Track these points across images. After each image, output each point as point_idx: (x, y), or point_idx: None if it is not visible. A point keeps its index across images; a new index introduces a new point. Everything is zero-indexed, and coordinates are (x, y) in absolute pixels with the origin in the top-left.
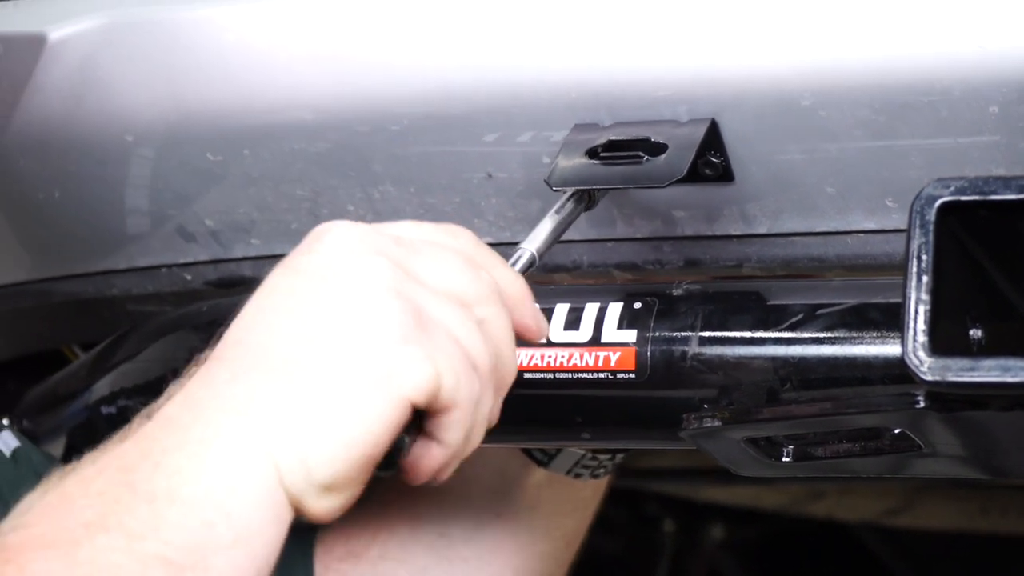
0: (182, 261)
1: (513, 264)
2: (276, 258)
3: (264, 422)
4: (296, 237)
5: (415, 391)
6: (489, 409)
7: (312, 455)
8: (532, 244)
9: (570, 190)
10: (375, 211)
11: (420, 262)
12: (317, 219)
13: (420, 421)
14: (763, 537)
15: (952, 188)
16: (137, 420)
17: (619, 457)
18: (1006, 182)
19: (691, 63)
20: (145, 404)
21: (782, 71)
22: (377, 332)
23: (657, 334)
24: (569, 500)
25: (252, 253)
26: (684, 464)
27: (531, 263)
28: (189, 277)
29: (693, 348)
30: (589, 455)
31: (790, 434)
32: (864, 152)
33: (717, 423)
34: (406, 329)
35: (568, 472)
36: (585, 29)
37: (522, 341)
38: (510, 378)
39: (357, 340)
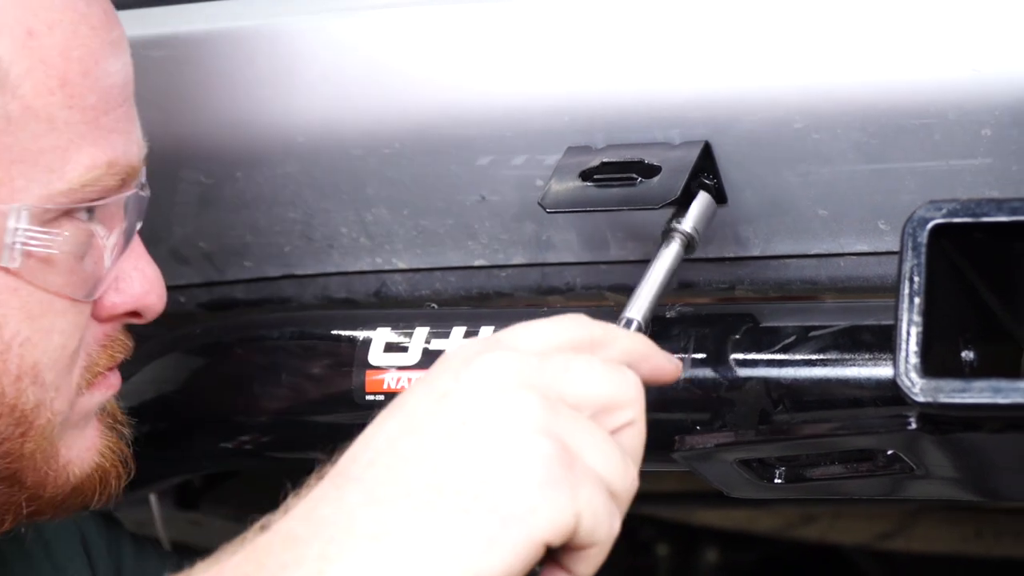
0: (176, 283)
1: None
2: (269, 280)
3: (398, 551)
4: (289, 259)
5: (553, 533)
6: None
7: None
8: (637, 313)
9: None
10: (368, 233)
11: (566, 382)
12: (310, 241)
13: (553, 551)
14: (758, 561)
15: (944, 210)
16: (251, 531)
17: None
18: (998, 204)
19: (685, 86)
20: (142, 426)
21: (775, 94)
22: (523, 473)
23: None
24: None
25: (245, 276)
26: (677, 488)
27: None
28: (183, 299)
29: (686, 370)
30: None
31: (783, 456)
32: (857, 175)
33: (710, 445)
34: (552, 471)
35: None
36: (578, 52)
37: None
38: (635, 488)
39: (502, 479)
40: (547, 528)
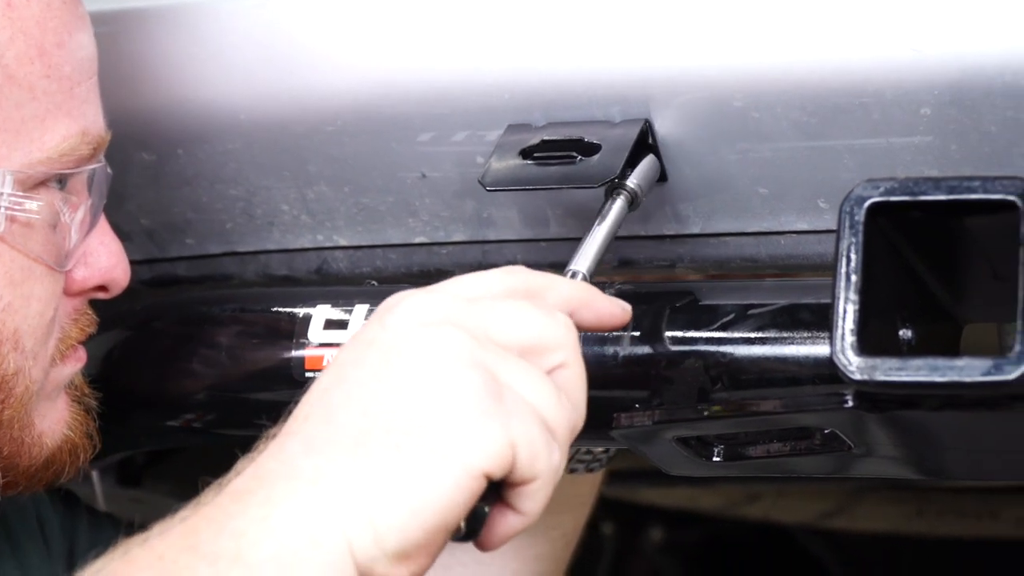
0: None
1: None
2: (211, 258)
3: (335, 492)
4: (231, 237)
5: (489, 463)
6: (563, 464)
7: (382, 523)
8: (582, 265)
9: (624, 193)
10: (309, 211)
11: (492, 321)
12: (252, 219)
13: (499, 489)
14: (703, 539)
15: (882, 189)
16: (206, 493)
17: (613, 449)
18: (936, 183)
19: (624, 64)
20: None
21: (714, 72)
22: (452, 405)
23: (589, 333)
24: (566, 497)
25: (187, 253)
26: (621, 466)
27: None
28: None
29: (625, 348)
30: (583, 448)
31: (721, 434)
32: (796, 153)
33: (648, 422)
34: (482, 401)
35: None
36: (518, 29)
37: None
38: (581, 424)
39: (431, 413)
40: (482, 458)
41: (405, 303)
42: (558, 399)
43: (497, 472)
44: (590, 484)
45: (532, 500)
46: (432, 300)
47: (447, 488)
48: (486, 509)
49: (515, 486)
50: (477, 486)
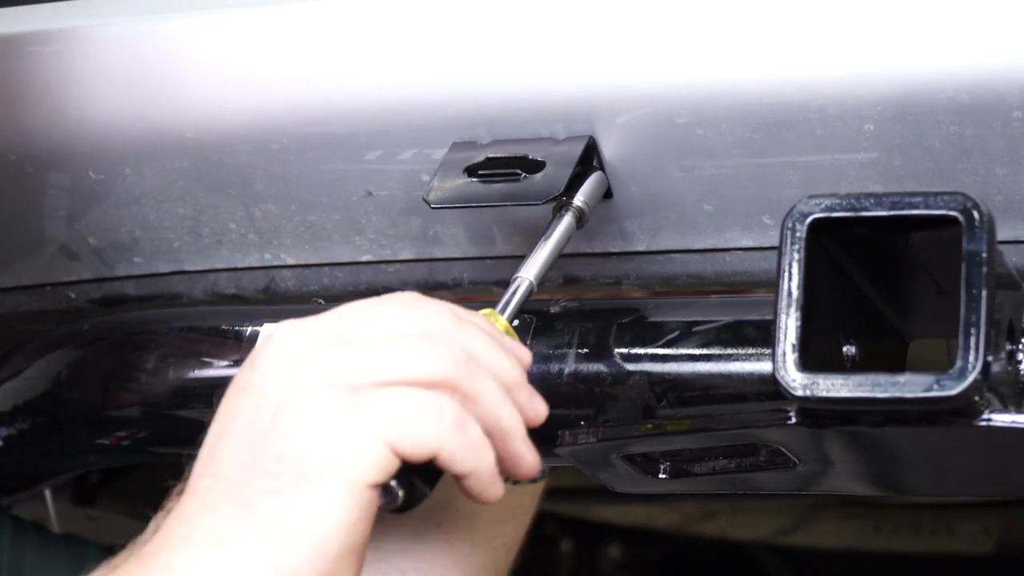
0: (66, 279)
1: (512, 294)
2: (159, 276)
3: (233, 550)
4: (179, 255)
5: (368, 473)
6: (496, 409)
7: (288, 565)
8: (529, 272)
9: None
10: (256, 229)
11: (358, 325)
12: (199, 237)
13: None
14: (660, 557)
15: (824, 204)
16: (119, 555)
17: None
18: (878, 199)
19: (568, 81)
20: (33, 421)
21: (658, 89)
22: (309, 428)
23: (534, 351)
24: (508, 507)
25: (135, 272)
26: (577, 483)
27: (529, 293)
28: (73, 295)
29: (570, 365)
30: None
31: (666, 450)
32: (741, 170)
33: (592, 440)
34: (336, 417)
35: (506, 479)
36: (462, 47)
37: None
38: (510, 375)
39: (293, 443)
40: (360, 470)
41: (273, 338)
42: (427, 352)
43: (382, 476)
44: (531, 494)
45: (456, 463)
46: (295, 329)
47: (336, 513)
48: (393, 486)
49: (437, 463)
50: (367, 499)
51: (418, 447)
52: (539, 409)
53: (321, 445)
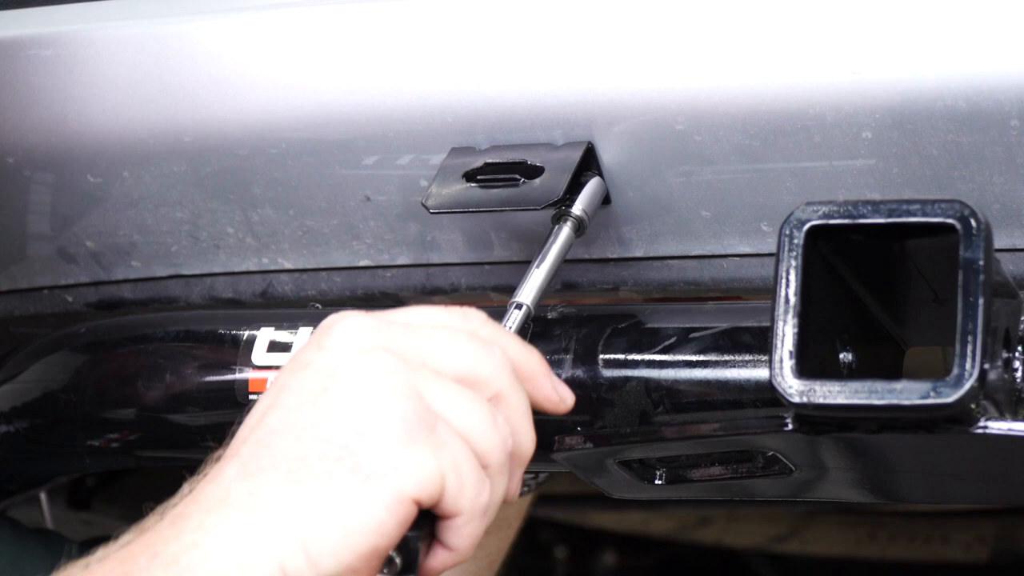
0: (63, 283)
1: (508, 323)
2: (156, 280)
3: (267, 518)
4: (176, 259)
5: (418, 489)
6: (500, 496)
7: (315, 547)
8: (526, 297)
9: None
10: (254, 234)
11: (429, 348)
12: (197, 241)
13: (432, 524)
14: (655, 563)
15: (821, 211)
16: (149, 518)
17: (542, 476)
18: (875, 206)
19: (567, 87)
20: (28, 425)
21: (657, 96)
22: (382, 430)
23: None
24: (493, 519)
25: (133, 275)
26: (574, 490)
27: (527, 318)
28: (70, 299)
29: (567, 371)
30: None
31: (662, 457)
32: (739, 176)
33: (588, 445)
34: (412, 428)
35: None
36: (460, 53)
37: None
38: (528, 453)
39: (363, 440)
40: (411, 485)
41: (342, 324)
42: (494, 426)
43: (426, 499)
44: (517, 507)
45: (459, 535)
46: (370, 323)
47: (378, 512)
48: (418, 542)
49: (444, 519)
50: (407, 511)
51: (455, 501)
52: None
53: (389, 449)
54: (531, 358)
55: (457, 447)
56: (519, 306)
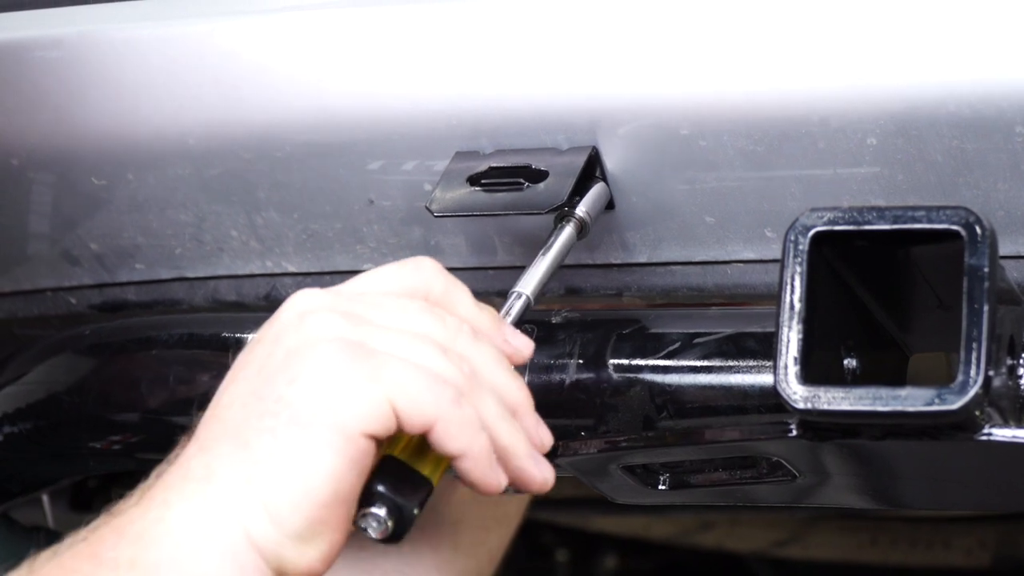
0: (67, 285)
1: (509, 309)
2: (160, 283)
3: (224, 486)
4: (180, 262)
5: (365, 423)
6: (492, 405)
7: (274, 505)
8: (526, 287)
9: (573, 221)
10: (258, 237)
11: (376, 312)
12: (201, 244)
13: (405, 471)
14: (656, 567)
15: (826, 218)
16: (120, 503)
17: None
18: (880, 212)
19: (571, 92)
20: (32, 427)
21: (661, 101)
22: (312, 375)
23: (535, 361)
24: (493, 515)
25: (136, 278)
26: (575, 493)
27: (526, 308)
28: (74, 301)
29: (571, 375)
30: None
31: (666, 462)
32: (743, 182)
33: (592, 450)
34: (342, 365)
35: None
36: (465, 57)
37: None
38: (519, 398)
39: (293, 386)
40: (352, 419)
41: (291, 299)
42: (442, 353)
43: (379, 429)
44: (517, 504)
45: (453, 439)
46: (317, 294)
47: (326, 457)
48: (415, 511)
49: (429, 436)
50: (357, 448)
51: (416, 411)
52: (544, 438)
53: (320, 389)
54: (482, 316)
55: (397, 364)
56: (519, 295)
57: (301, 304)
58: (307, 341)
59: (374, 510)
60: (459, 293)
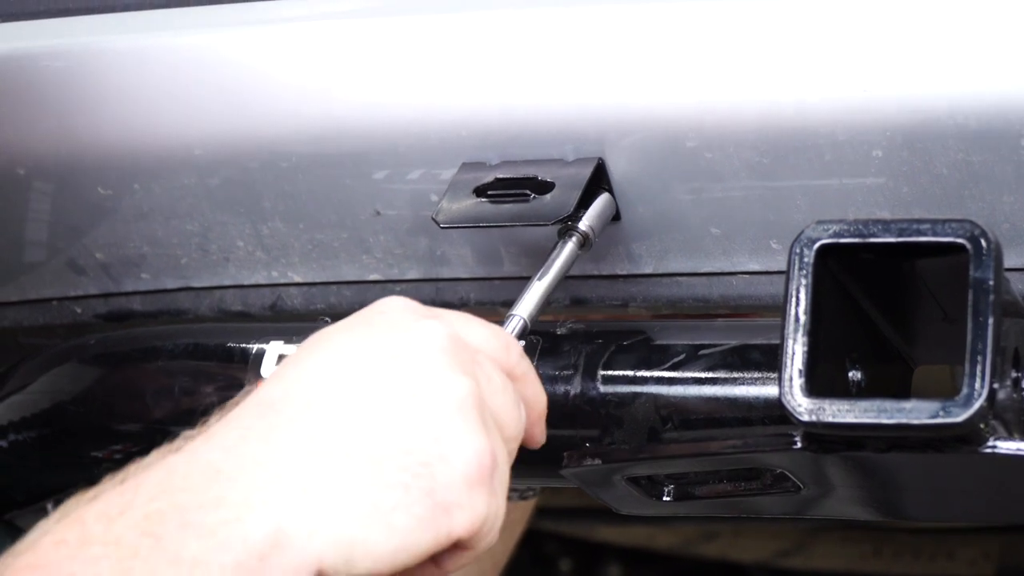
0: (72, 294)
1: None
2: (166, 292)
3: (326, 505)
4: (186, 272)
5: (465, 532)
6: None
7: (361, 550)
8: (523, 311)
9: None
10: (264, 247)
11: (490, 389)
12: (206, 254)
13: None
14: None
15: (831, 230)
16: (163, 449)
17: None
18: (885, 225)
19: (578, 103)
20: (38, 436)
21: (668, 112)
22: (464, 466)
23: (541, 372)
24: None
25: (142, 287)
26: (579, 503)
27: (524, 330)
28: (79, 310)
29: (576, 387)
30: None
31: (671, 473)
32: (749, 194)
33: (597, 462)
34: (483, 474)
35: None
36: (471, 68)
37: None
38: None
39: (446, 464)
40: (463, 527)
41: (395, 298)
42: (518, 419)
43: (466, 541)
44: (522, 510)
45: (484, 542)
46: (447, 338)
47: (427, 540)
48: None
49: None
50: (445, 547)
51: (483, 537)
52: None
53: (461, 487)
54: (541, 400)
55: (502, 498)
56: (517, 319)
57: (410, 307)
58: (460, 418)
59: None
60: (532, 374)
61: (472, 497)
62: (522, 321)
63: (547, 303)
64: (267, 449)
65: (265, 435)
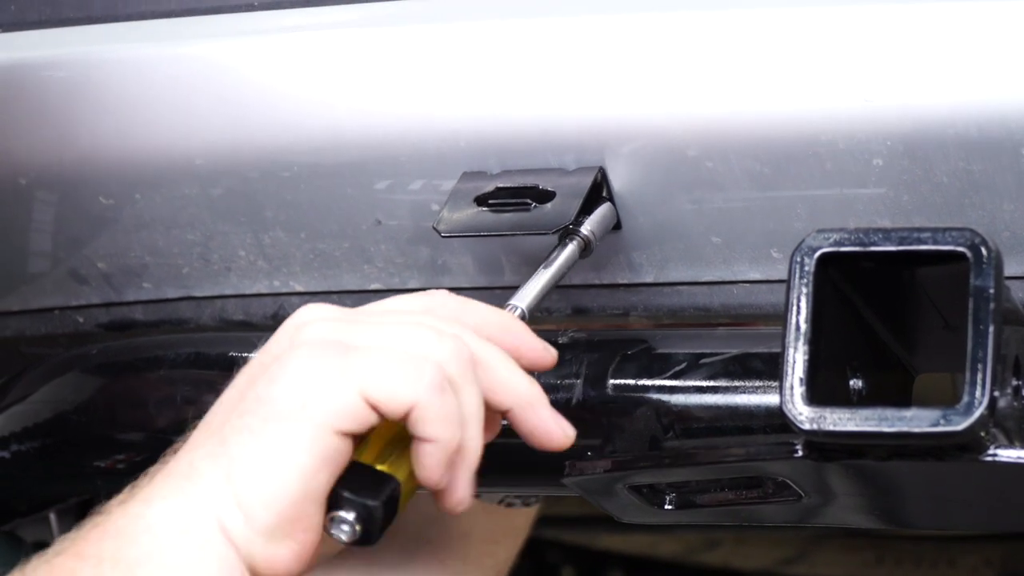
0: (74, 304)
1: None
2: (168, 302)
3: (203, 481)
4: (187, 281)
5: (338, 418)
6: (475, 403)
7: (247, 500)
8: (521, 301)
9: (577, 239)
10: (265, 256)
11: (372, 317)
12: (208, 264)
13: (378, 478)
14: None
15: (832, 239)
16: (110, 501)
17: None
18: (886, 234)
19: (579, 112)
20: (39, 446)
21: (669, 122)
22: (291, 374)
23: (542, 381)
24: (501, 528)
25: (144, 297)
26: (582, 512)
27: (522, 320)
28: (81, 320)
29: (577, 395)
30: None
31: (672, 482)
32: (750, 203)
33: (599, 470)
34: (319, 362)
35: (500, 501)
36: (473, 77)
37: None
38: (527, 392)
39: (273, 385)
40: (322, 415)
41: (296, 312)
42: (435, 334)
43: (352, 424)
44: (525, 516)
45: (425, 424)
46: (318, 306)
47: (299, 453)
48: (381, 511)
49: (408, 422)
50: (328, 445)
51: (392, 398)
52: (567, 429)
53: (294, 387)
54: (504, 315)
55: (371, 356)
56: (514, 308)
57: (300, 316)
58: (293, 346)
59: (341, 514)
60: (471, 305)
61: (314, 385)
62: (519, 310)
63: (543, 300)
64: (159, 465)
65: (170, 461)
